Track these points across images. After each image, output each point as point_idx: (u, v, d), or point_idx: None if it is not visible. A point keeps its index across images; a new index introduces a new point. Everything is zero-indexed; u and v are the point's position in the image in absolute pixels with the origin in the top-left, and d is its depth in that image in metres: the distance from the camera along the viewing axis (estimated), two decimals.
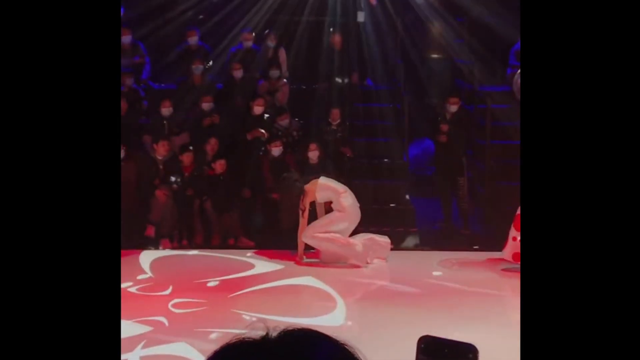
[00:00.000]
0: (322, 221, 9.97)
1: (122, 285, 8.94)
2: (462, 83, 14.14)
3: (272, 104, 12.44)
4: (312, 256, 10.10)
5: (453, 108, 11.81)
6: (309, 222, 9.96)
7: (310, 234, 9.91)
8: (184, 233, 11.11)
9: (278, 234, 10.78)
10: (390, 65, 13.77)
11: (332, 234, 9.88)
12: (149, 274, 9.59)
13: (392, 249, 10.14)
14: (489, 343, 7.46)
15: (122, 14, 12.98)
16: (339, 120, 11.94)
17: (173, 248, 10.82)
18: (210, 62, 13.10)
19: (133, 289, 8.96)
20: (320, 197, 9.97)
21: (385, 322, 7.97)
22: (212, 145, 11.32)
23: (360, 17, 13.70)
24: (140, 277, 9.44)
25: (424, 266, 9.96)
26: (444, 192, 11.95)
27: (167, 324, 7.90)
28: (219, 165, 11.13)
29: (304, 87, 13.26)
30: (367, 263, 9.94)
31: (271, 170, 11.41)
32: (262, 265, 9.90)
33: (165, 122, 11.87)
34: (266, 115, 12.05)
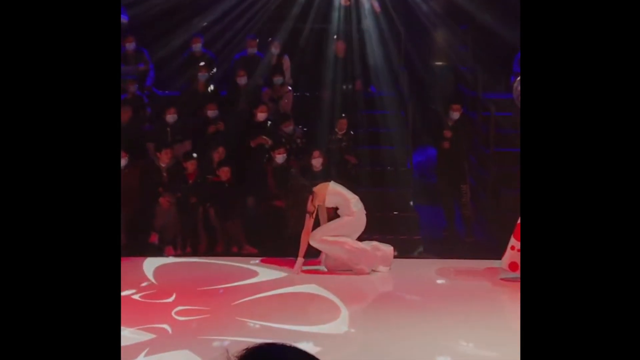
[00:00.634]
0: (331, 225, 9.96)
1: (126, 293, 8.95)
2: (466, 90, 14.15)
3: (275, 111, 12.46)
4: (311, 263, 10.06)
5: (455, 115, 11.82)
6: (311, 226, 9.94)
7: (319, 237, 9.89)
8: (187, 240, 11.12)
9: (284, 241, 10.76)
10: (393, 73, 13.78)
11: (341, 237, 9.86)
12: (153, 281, 9.59)
13: (395, 257, 10.13)
14: (491, 351, 7.48)
15: (126, 21, 13.03)
16: (345, 130, 11.95)
17: (177, 255, 10.82)
18: (214, 69, 13.12)
19: (136, 296, 8.95)
20: (329, 201, 9.96)
21: (389, 330, 7.96)
22: (219, 153, 11.33)
23: (364, 24, 13.72)
24: (143, 284, 9.43)
25: (427, 274, 9.95)
26: (447, 199, 11.95)
27: (170, 331, 7.89)
28: (224, 173, 11.14)
29: (308, 94, 13.28)
30: (373, 270, 9.92)
31: (275, 177, 11.42)
32: (265, 272, 9.90)
33: (168, 129, 11.88)
34: (269, 122, 12.07)
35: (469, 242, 11.60)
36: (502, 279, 9.46)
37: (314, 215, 9.88)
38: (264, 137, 11.77)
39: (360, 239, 10.07)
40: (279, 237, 11.05)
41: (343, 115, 12.12)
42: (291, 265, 9.96)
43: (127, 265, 9.84)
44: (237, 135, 11.84)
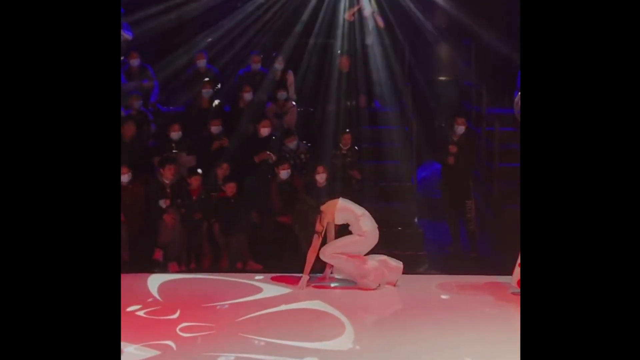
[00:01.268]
0: (342, 241, 9.93)
1: (130, 309, 8.94)
2: (470, 105, 14.15)
3: (279, 127, 12.46)
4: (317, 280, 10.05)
5: (460, 129, 11.80)
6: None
7: (329, 253, 9.85)
8: (192, 256, 11.11)
9: (294, 262, 10.75)
10: (398, 88, 13.78)
11: (353, 257, 9.84)
12: (157, 298, 9.57)
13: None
14: None
15: (131, 37, 13.07)
16: (349, 145, 11.94)
17: (181, 271, 10.81)
18: (219, 85, 13.14)
19: (141, 313, 8.94)
20: (339, 218, 9.94)
21: (394, 346, 7.94)
22: (223, 169, 11.33)
23: (368, 39, 13.73)
24: (148, 300, 9.42)
25: (432, 290, 9.92)
26: (452, 215, 11.93)
27: (175, 348, 7.88)
28: (230, 188, 11.14)
29: (312, 109, 13.29)
30: (378, 286, 9.89)
31: (279, 193, 11.41)
32: (270, 289, 9.88)
33: (173, 145, 11.89)
34: (274, 138, 12.07)
35: (474, 257, 11.57)
36: (512, 294, 9.42)
37: (322, 235, 9.85)
38: (268, 152, 11.77)
39: (370, 252, 10.05)
40: (283, 253, 11.04)
41: (347, 130, 12.11)
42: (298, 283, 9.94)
43: (131, 282, 9.84)
44: (241, 151, 11.84)
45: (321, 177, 11.16)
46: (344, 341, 8.13)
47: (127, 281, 9.18)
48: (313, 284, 9.96)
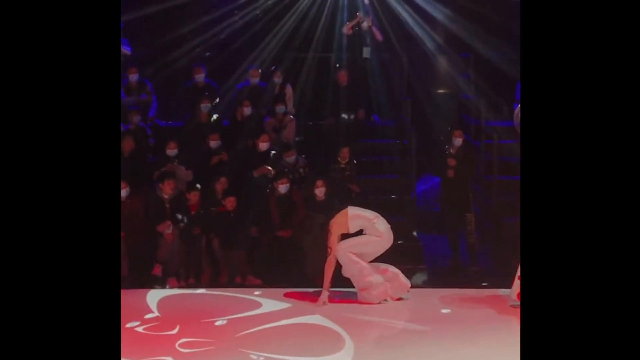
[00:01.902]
0: (358, 240, 9.87)
1: (129, 325, 8.91)
2: (469, 118, 14.15)
3: (278, 141, 12.46)
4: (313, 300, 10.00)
5: (458, 141, 11.80)
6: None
7: (342, 249, 9.77)
8: (191, 271, 11.08)
9: (293, 274, 10.73)
10: (396, 101, 13.79)
11: (362, 264, 9.76)
12: (156, 313, 9.55)
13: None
14: None
15: (129, 52, 13.09)
16: (348, 159, 11.93)
17: (180, 287, 10.78)
18: (217, 99, 13.15)
19: (140, 329, 8.92)
20: (353, 226, 9.89)
21: None
22: (222, 183, 11.32)
23: (366, 53, 13.75)
24: (147, 316, 9.39)
25: (432, 303, 9.89)
26: (452, 228, 11.91)
27: None
28: (229, 202, 11.12)
29: (311, 123, 13.29)
30: (383, 301, 9.85)
31: (278, 207, 11.39)
32: (269, 304, 9.85)
33: (171, 160, 11.87)
34: (272, 152, 12.06)
35: (474, 271, 11.54)
36: (511, 306, 9.39)
37: (335, 252, 9.78)
38: (267, 167, 11.77)
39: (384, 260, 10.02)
40: (283, 267, 11.02)
41: (346, 144, 12.10)
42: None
43: (130, 297, 9.82)
44: (240, 165, 11.83)
45: (320, 191, 11.15)
46: (343, 357, 8.11)
47: (126, 297, 9.15)
48: (335, 299, 9.91)
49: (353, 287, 9.94)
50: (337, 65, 13.66)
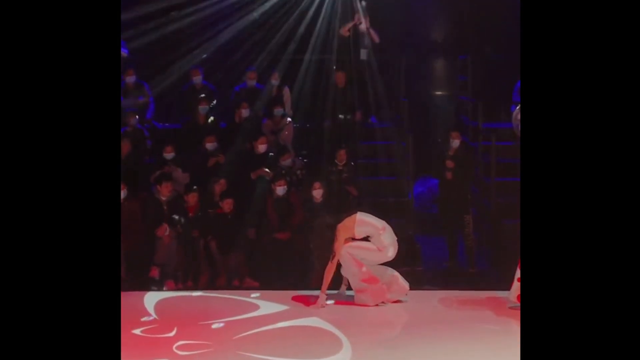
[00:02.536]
0: (359, 244, 9.82)
1: (127, 327, 8.87)
2: (467, 120, 14.15)
3: (276, 143, 12.45)
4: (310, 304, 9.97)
5: (455, 143, 11.80)
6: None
7: (347, 247, 9.74)
8: (188, 274, 11.06)
9: (296, 277, 10.71)
10: (394, 103, 13.78)
11: (364, 268, 9.73)
12: (154, 316, 9.52)
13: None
14: None
15: (127, 54, 13.06)
16: (345, 161, 11.92)
17: (177, 289, 10.76)
18: (215, 102, 13.13)
19: (137, 331, 8.89)
20: (359, 232, 9.85)
21: None
22: (221, 185, 11.31)
23: (364, 54, 13.73)
24: (144, 318, 9.37)
25: (430, 305, 9.87)
26: (449, 230, 11.90)
27: None
28: (227, 204, 11.10)
29: (308, 125, 13.28)
30: (380, 303, 9.83)
31: (276, 209, 11.37)
32: (267, 306, 9.83)
33: (168, 163, 11.85)
34: (270, 154, 12.05)
35: (473, 273, 11.54)
36: (510, 308, 9.38)
37: (337, 258, 9.75)
38: (265, 169, 11.75)
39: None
40: (281, 269, 11.01)
41: (343, 146, 12.09)
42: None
43: (127, 300, 9.78)
44: (238, 167, 11.82)
45: (318, 193, 11.14)
46: (341, 358, 8.08)
47: (124, 299, 9.11)
48: (335, 301, 9.89)
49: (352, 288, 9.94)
50: (335, 67, 13.64)
